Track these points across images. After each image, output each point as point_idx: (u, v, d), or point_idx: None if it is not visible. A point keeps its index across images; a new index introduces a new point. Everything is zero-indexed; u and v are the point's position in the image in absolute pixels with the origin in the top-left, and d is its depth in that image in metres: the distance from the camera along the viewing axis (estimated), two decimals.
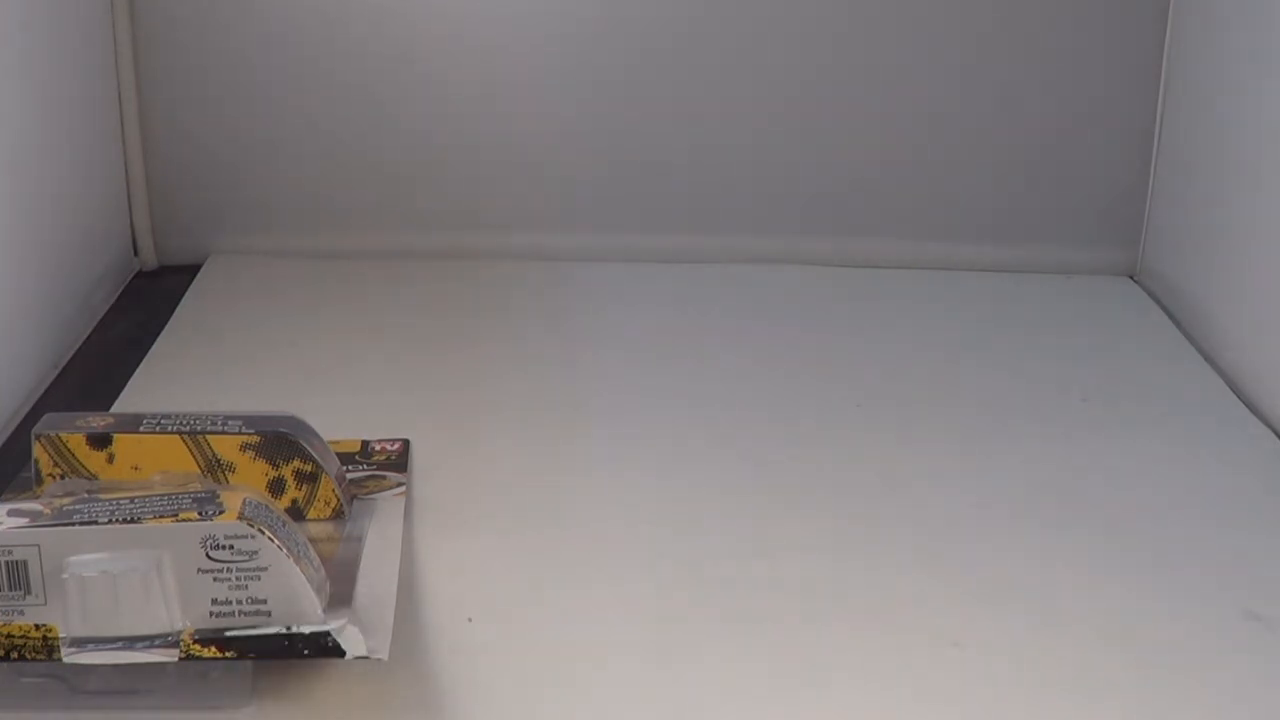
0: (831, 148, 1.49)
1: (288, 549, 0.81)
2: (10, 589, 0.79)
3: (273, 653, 0.80)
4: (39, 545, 0.79)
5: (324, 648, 0.80)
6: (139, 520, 0.80)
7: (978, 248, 1.50)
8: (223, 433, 0.95)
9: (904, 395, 1.22)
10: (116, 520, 0.80)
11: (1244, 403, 1.21)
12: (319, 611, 0.81)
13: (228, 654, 0.79)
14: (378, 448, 1.07)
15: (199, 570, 0.80)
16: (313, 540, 0.87)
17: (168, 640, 0.79)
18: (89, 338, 1.32)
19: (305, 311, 1.36)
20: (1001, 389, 1.23)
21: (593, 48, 1.46)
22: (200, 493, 0.83)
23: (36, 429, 0.95)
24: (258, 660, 0.81)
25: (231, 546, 0.80)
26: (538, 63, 1.46)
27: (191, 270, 1.45)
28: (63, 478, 0.94)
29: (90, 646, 0.79)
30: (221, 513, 0.81)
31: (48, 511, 0.81)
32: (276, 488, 0.95)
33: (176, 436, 0.94)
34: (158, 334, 1.29)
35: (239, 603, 0.80)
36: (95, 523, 0.80)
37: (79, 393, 1.20)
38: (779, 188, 1.50)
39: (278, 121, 1.47)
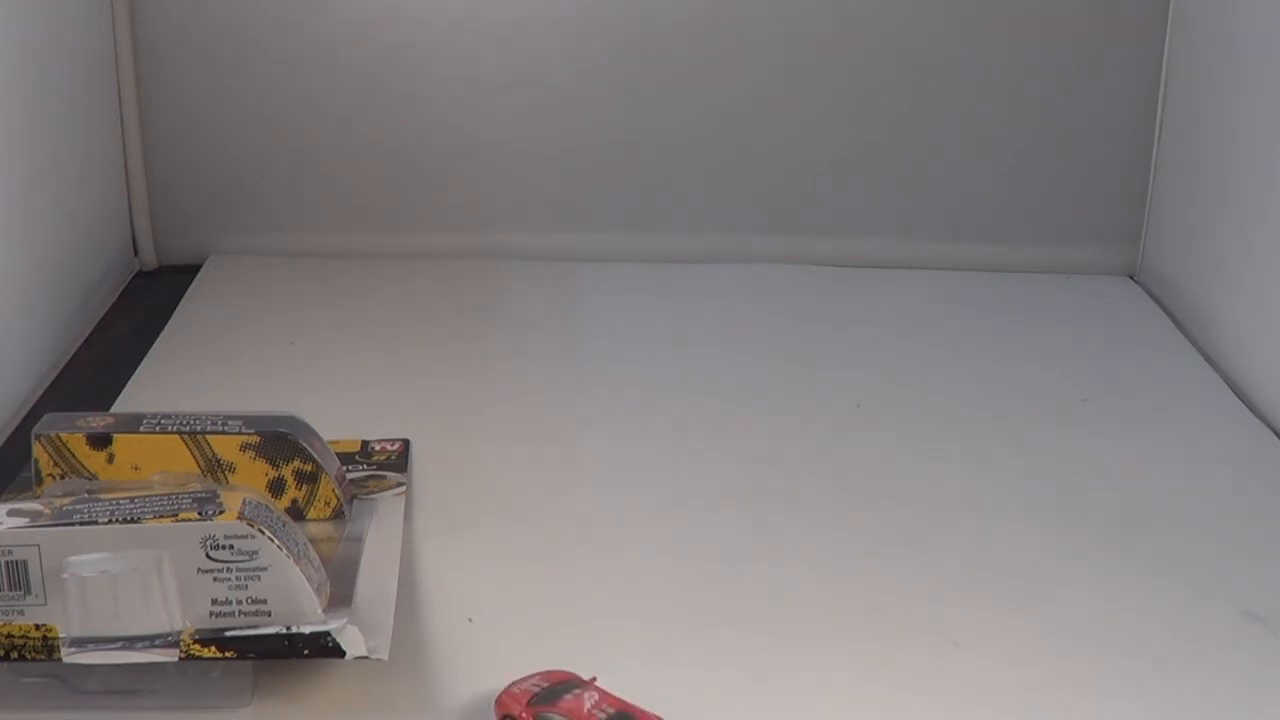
0: (832, 148, 1.49)
1: (288, 549, 0.81)
2: (10, 589, 0.79)
3: (273, 653, 0.80)
4: (39, 545, 0.79)
5: (324, 648, 0.80)
6: (139, 520, 0.80)
7: (978, 248, 1.50)
8: (223, 433, 0.95)
9: (904, 395, 1.22)
10: (116, 520, 0.80)
11: (1244, 403, 1.21)
12: (319, 611, 0.81)
13: (228, 654, 0.79)
14: (378, 448, 1.07)
15: (199, 570, 0.80)
16: (313, 540, 0.87)
17: (168, 640, 0.79)
18: (89, 338, 1.32)
19: (305, 311, 1.36)
20: (1001, 389, 1.23)
21: (593, 49, 1.46)
22: (200, 493, 0.83)
23: (36, 429, 0.95)
24: (258, 660, 0.81)
25: (231, 546, 0.80)
26: (538, 64, 1.46)
27: (191, 270, 1.45)
28: (63, 478, 0.94)
29: (90, 646, 0.79)
30: (221, 513, 0.81)
31: (47, 511, 0.81)
32: (277, 488, 0.95)
33: (176, 436, 0.94)
34: (158, 334, 1.29)
35: (239, 603, 0.80)
36: (95, 523, 0.80)
37: (79, 393, 1.20)
38: (779, 187, 1.50)
39: (277, 122, 1.47)
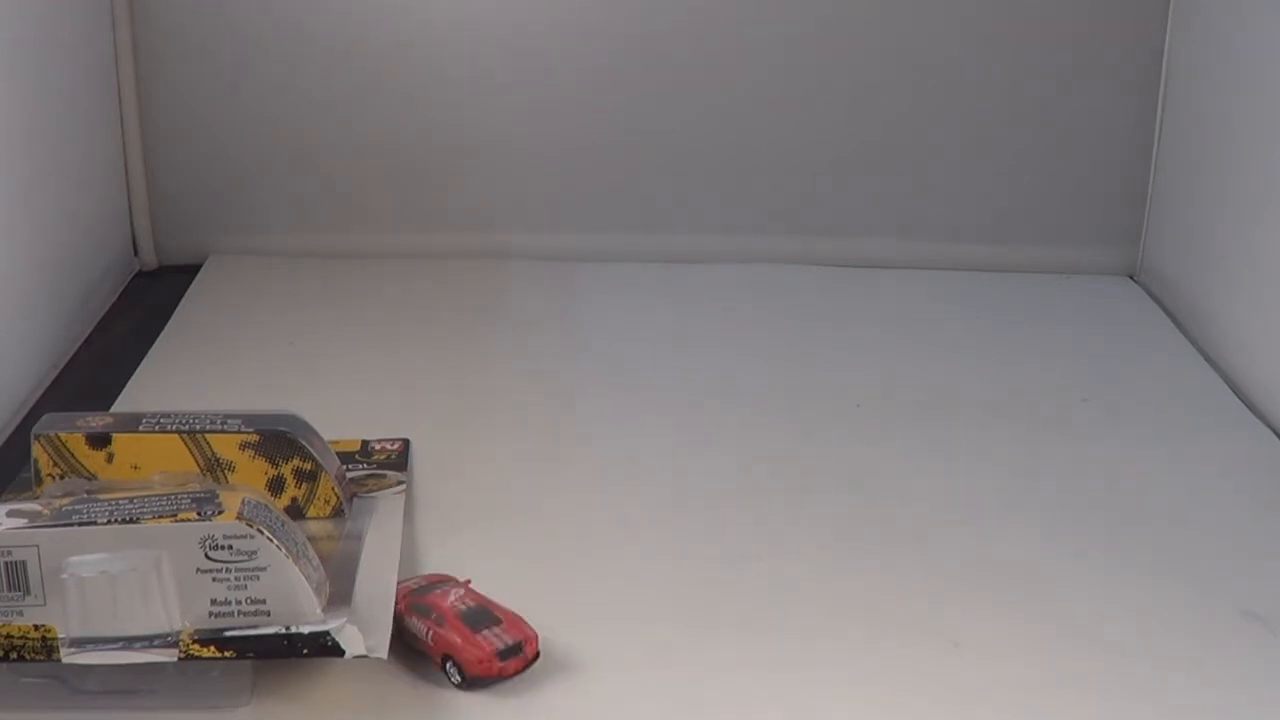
0: (833, 148, 1.49)
1: (287, 549, 0.81)
2: (9, 589, 0.79)
3: (272, 652, 0.80)
4: (38, 546, 0.79)
5: (323, 647, 0.80)
6: (138, 520, 0.80)
7: (978, 248, 1.50)
8: (222, 431, 0.95)
9: (903, 395, 1.22)
10: (115, 520, 0.80)
11: (1244, 403, 1.21)
12: (318, 611, 0.81)
13: (227, 654, 0.79)
14: (378, 447, 1.07)
15: (198, 570, 0.80)
16: (312, 538, 0.87)
17: (167, 640, 0.79)
18: (89, 338, 1.32)
19: (305, 311, 1.36)
20: (1001, 389, 1.23)
21: (593, 49, 1.46)
22: (199, 493, 0.83)
23: (36, 429, 0.95)
24: (257, 660, 0.81)
25: (230, 546, 0.80)
26: (538, 64, 1.46)
27: (191, 270, 1.45)
28: (62, 478, 0.94)
29: (90, 647, 0.79)
30: (220, 513, 0.81)
31: (47, 512, 0.81)
32: (276, 486, 0.95)
33: (175, 436, 0.94)
34: (158, 334, 1.29)
35: (238, 603, 0.80)
36: (94, 523, 0.80)
37: (79, 393, 1.20)
38: (779, 188, 1.50)
39: (277, 122, 1.47)
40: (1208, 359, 1.30)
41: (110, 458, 0.94)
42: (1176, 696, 0.84)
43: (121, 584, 0.79)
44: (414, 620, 0.84)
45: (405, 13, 1.44)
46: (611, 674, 0.84)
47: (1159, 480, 1.09)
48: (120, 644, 0.79)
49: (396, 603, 0.85)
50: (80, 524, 0.80)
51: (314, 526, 0.94)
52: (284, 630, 0.80)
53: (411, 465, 1.06)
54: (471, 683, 0.82)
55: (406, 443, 1.08)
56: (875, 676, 0.85)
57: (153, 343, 1.28)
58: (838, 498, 1.05)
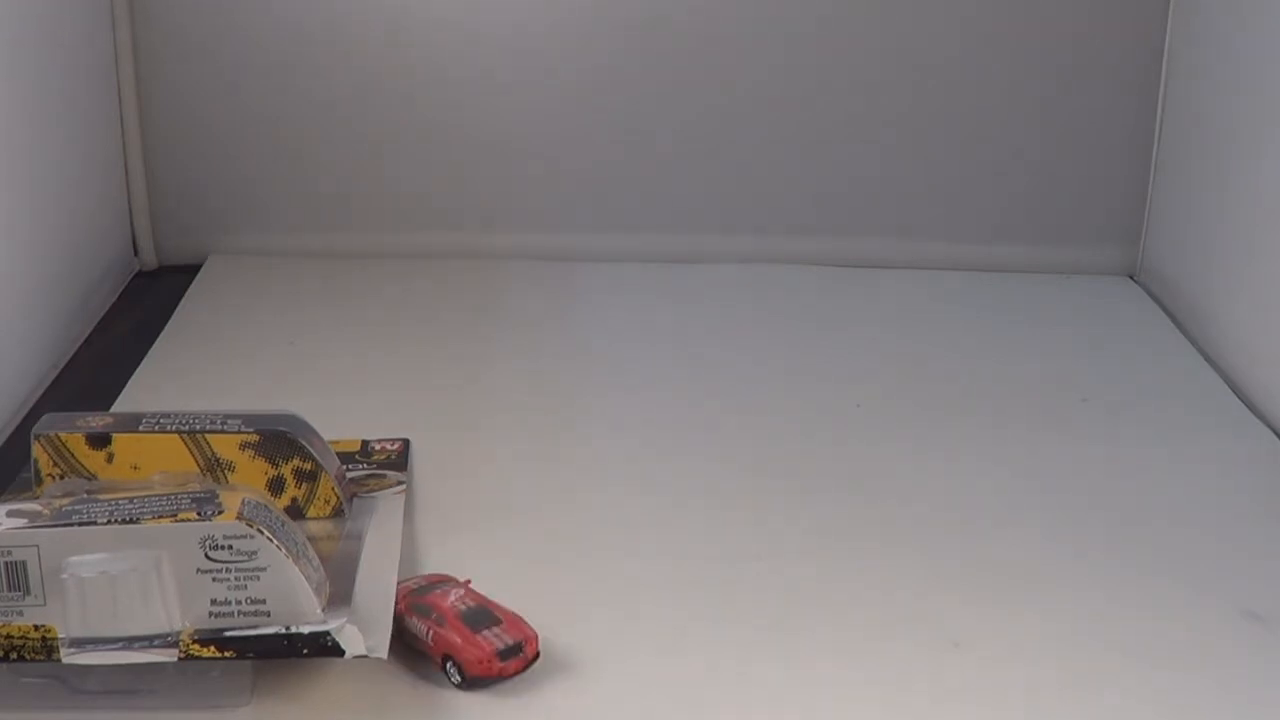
0: (832, 148, 1.49)
1: (287, 549, 0.81)
2: (9, 590, 0.79)
3: (272, 652, 0.80)
4: (38, 546, 0.79)
5: (323, 647, 0.80)
6: (138, 520, 0.80)
7: (978, 248, 1.50)
8: (222, 431, 0.95)
9: (903, 395, 1.22)
10: (115, 521, 0.80)
11: (1244, 403, 1.21)
12: (318, 611, 0.81)
13: (227, 654, 0.79)
14: (378, 447, 1.07)
15: (198, 570, 0.80)
16: (312, 538, 0.87)
17: (167, 640, 0.79)
18: (89, 338, 1.32)
19: (305, 311, 1.36)
20: (1001, 389, 1.23)
21: (593, 49, 1.46)
22: (199, 493, 0.83)
23: (36, 429, 0.95)
24: (257, 660, 0.81)
25: (230, 547, 0.80)
26: (538, 64, 1.46)
27: (191, 270, 1.45)
28: (62, 478, 0.94)
29: (89, 647, 0.79)
30: (220, 513, 0.81)
31: (47, 512, 0.81)
32: (276, 486, 0.95)
33: (175, 436, 0.94)
34: (158, 334, 1.29)
35: (238, 603, 0.80)
36: (94, 523, 0.80)
37: (79, 393, 1.20)
38: (779, 187, 1.50)
39: (277, 122, 1.47)
40: (1208, 359, 1.30)
41: (110, 458, 0.94)
42: (1176, 696, 0.84)
43: (121, 584, 0.79)
44: (414, 620, 0.84)
45: (405, 12, 1.44)
46: (612, 674, 0.84)
47: (1159, 480, 1.09)
48: (120, 644, 0.79)
49: (396, 603, 0.85)
50: (80, 524, 0.80)
51: (314, 526, 0.94)
52: (284, 630, 0.80)
53: (411, 465, 1.06)
54: (471, 683, 0.82)
55: (406, 443, 1.08)
56: (875, 676, 0.85)
57: (153, 343, 1.28)
58: (838, 498, 1.05)
